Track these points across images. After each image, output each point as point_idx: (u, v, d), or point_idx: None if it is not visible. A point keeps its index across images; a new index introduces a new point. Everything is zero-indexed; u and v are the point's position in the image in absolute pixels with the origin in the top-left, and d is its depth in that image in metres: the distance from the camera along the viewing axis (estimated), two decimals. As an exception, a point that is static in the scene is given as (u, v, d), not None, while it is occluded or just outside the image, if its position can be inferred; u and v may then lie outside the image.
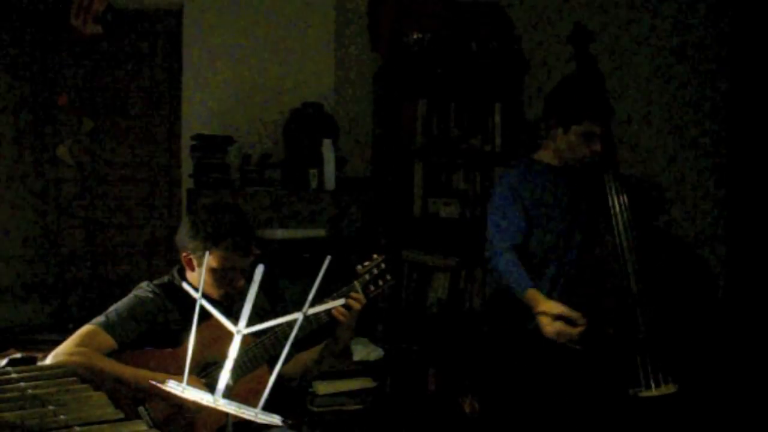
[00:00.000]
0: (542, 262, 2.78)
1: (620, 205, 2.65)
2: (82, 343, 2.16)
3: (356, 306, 2.30)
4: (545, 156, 2.87)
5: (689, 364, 2.65)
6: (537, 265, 2.77)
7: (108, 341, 2.19)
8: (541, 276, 2.75)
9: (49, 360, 2.15)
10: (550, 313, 2.56)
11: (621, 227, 2.63)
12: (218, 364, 2.22)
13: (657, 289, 2.61)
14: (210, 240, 2.27)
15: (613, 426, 2.62)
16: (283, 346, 2.24)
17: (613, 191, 2.67)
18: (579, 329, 2.53)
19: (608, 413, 2.61)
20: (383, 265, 2.36)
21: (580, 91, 2.80)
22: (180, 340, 2.22)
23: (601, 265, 2.67)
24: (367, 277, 2.34)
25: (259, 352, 2.24)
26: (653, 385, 2.55)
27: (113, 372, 2.12)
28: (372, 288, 2.34)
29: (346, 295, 2.30)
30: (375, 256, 2.39)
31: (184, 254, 2.34)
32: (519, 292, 2.63)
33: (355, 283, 2.33)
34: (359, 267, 2.37)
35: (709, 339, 2.80)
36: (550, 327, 2.55)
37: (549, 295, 2.67)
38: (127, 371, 2.13)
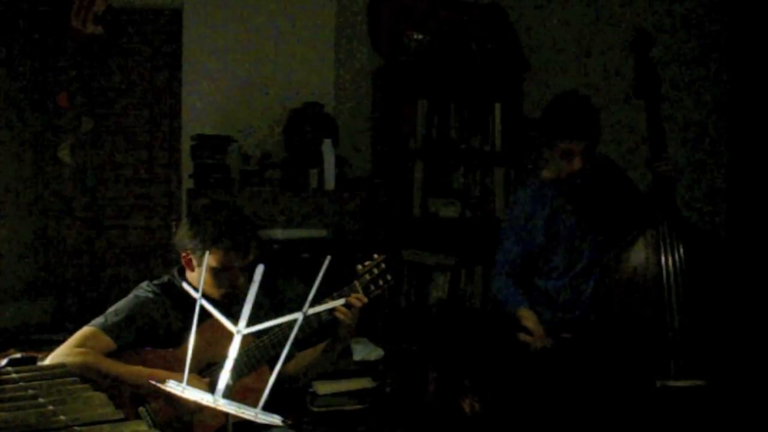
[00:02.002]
0: (564, 271, 2.89)
1: (674, 260, 2.62)
2: (81, 345, 2.16)
3: (357, 304, 2.31)
4: (551, 173, 2.93)
5: (719, 357, 2.66)
6: (560, 274, 2.90)
7: (107, 342, 2.19)
8: (561, 281, 2.89)
9: (48, 362, 2.15)
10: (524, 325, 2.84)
11: (673, 295, 2.61)
12: (219, 364, 2.22)
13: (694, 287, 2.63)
14: (209, 239, 2.26)
15: (641, 417, 2.64)
16: (283, 346, 2.25)
17: (668, 247, 2.61)
18: (536, 340, 2.80)
19: (635, 403, 2.63)
20: (383, 265, 2.35)
21: (557, 111, 2.82)
22: (180, 341, 2.22)
23: (635, 279, 2.68)
24: (367, 276, 2.34)
25: (260, 352, 2.24)
26: (682, 376, 2.56)
27: (113, 372, 2.12)
28: (372, 288, 2.34)
29: (347, 295, 2.30)
30: (375, 256, 2.39)
31: (183, 254, 2.34)
32: (513, 310, 2.90)
33: (356, 282, 2.33)
34: (359, 267, 2.36)
35: (739, 334, 2.80)
36: (521, 337, 2.84)
37: (576, 300, 2.85)
38: (127, 370, 2.13)
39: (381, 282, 2.35)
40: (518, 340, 2.84)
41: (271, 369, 2.30)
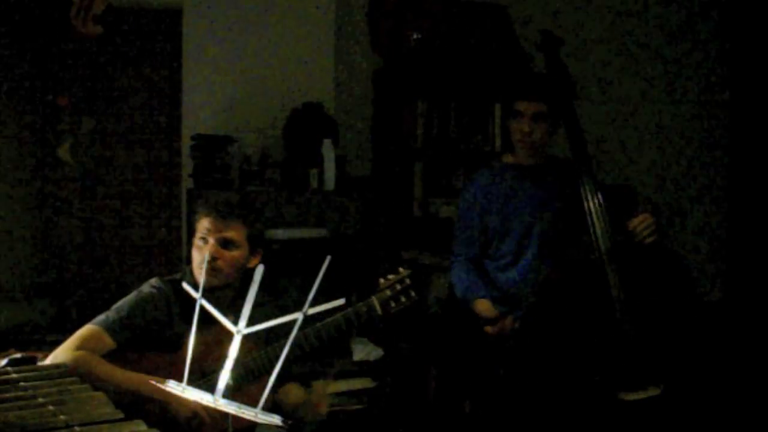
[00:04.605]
0: (513, 261, 2.88)
1: (596, 207, 2.65)
2: (80, 345, 2.15)
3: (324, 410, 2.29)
4: (513, 157, 2.96)
5: (674, 366, 2.65)
6: (508, 263, 2.89)
7: (107, 342, 2.18)
8: (510, 273, 2.88)
9: (47, 361, 2.14)
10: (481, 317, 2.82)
11: (598, 229, 2.63)
12: (218, 373, 2.20)
13: (639, 291, 2.61)
14: (197, 208, 2.31)
15: (601, 429, 2.63)
16: (290, 357, 2.23)
17: (588, 193, 2.66)
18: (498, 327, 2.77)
19: (594, 417, 2.61)
20: (408, 281, 2.21)
21: (518, 78, 3.02)
22: (180, 344, 2.17)
23: (579, 265, 2.68)
24: (388, 292, 2.20)
25: (267, 362, 2.17)
26: (638, 388, 2.55)
27: (109, 377, 2.10)
28: (393, 304, 2.19)
29: (362, 311, 2.19)
30: (401, 270, 2.26)
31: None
32: (469, 299, 2.87)
33: (373, 298, 2.20)
34: (381, 280, 2.24)
35: (693, 341, 2.79)
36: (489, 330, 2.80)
37: (521, 294, 2.83)
38: (124, 376, 2.11)
39: (403, 299, 2.21)
40: (485, 333, 2.81)
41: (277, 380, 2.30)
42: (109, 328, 2.19)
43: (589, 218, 2.63)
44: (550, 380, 2.65)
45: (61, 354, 2.14)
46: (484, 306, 2.82)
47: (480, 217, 2.91)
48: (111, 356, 2.17)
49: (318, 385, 2.30)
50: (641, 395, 2.54)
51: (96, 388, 1.86)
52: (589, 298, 2.63)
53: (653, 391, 2.55)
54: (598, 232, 2.61)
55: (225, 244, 2.26)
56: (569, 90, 2.79)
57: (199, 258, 2.26)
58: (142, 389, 2.06)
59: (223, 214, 2.27)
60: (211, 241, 2.24)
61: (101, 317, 2.23)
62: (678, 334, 2.67)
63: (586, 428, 2.63)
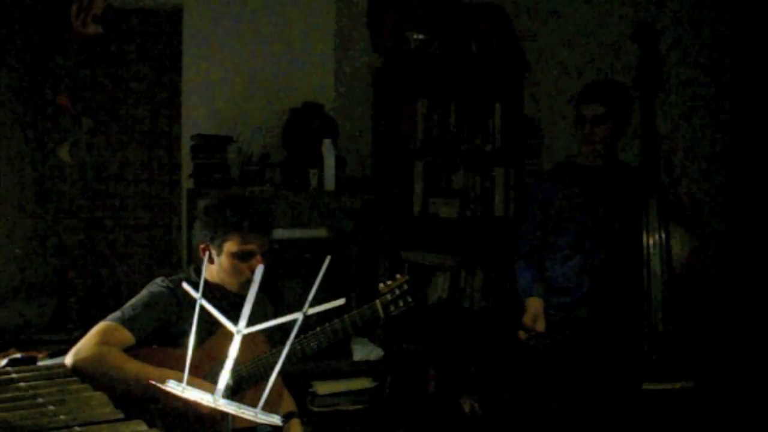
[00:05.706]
0: (570, 255, 2.96)
1: (659, 239, 2.70)
2: (101, 339, 2.16)
3: None
4: (579, 157, 3.05)
5: (702, 359, 2.68)
6: (565, 257, 2.97)
7: (126, 336, 2.20)
8: (567, 267, 2.96)
9: (69, 357, 2.14)
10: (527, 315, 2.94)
11: (656, 258, 2.67)
12: (233, 371, 2.21)
13: (677, 286, 2.67)
14: (229, 224, 2.28)
15: (627, 419, 2.66)
16: (298, 359, 2.25)
17: (651, 224, 2.71)
18: (528, 335, 2.90)
19: (621, 406, 2.65)
20: (406, 287, 2.41)
21: (585, 85, 3.04)
22: (197, 340, 2.21)
23: (627, 265, 2.76)
24: (388, 297, 2.39)
25: (275, 362, 2.22)
26: (667, 379, 2.58)
27: (135, 372, 2.12)
28: (392, 308, 2.39)
29: (367, 313, 2.35)
30: (398, 276, 2.45)
31: (202, 246, 2.34)
32: (523, 296, 3.00)
33: (377, 302, 2.38)
34: (382, 285, 2.42)
35: (722, 335, 2.83)
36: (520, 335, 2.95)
37: (577, 286, 2.92)
38: (148, 371, 2.11)
39: (401, 303, 2.40)
40: (517, 338, 2.92)
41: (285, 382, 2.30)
42: (127, 323, 2.21)
43: (646, 248, 2.73)
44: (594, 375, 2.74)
45: (84, 348, 2.14)
46: (535, 305, 2.94)
47: (540, 211, 3.03)
48: (128, 352, 2.18)
49: (293, 423, 2.38)
50: (667, 386, 2.57)
51: (115, 383, 1.86)
52: (628, 288, 2.74)
53: (682, 384, 2.58)
54: (655, 259, 2.71)
55: (264, 254, 2.34)
56: (659, 83, 2.85)
57: (240, 275, 2.31)
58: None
59: (267, 232, 2.35)
60: (259, 258, 2.30)
61: (117, 314, 2.24)
62: (708, 327, 2.73)
63: (612, 419, 2.67)
